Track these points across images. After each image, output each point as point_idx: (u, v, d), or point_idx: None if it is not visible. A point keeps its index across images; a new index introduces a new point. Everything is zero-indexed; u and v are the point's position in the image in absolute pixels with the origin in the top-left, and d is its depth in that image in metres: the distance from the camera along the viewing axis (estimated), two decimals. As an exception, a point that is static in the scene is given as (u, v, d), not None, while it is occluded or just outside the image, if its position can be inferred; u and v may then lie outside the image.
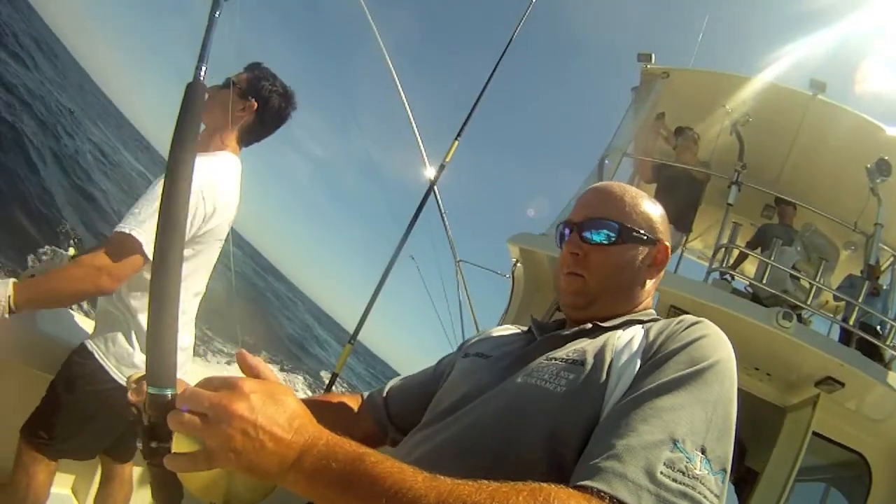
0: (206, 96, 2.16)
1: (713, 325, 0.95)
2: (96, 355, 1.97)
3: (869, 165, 4.53)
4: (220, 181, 2.04)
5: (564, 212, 5.18)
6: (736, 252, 5.07)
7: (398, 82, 4.78)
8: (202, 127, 2.19)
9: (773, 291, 4.20)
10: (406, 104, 4.80)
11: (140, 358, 1.96)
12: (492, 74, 5.20)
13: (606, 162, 5.24)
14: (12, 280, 1.82)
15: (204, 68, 0.89)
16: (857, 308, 4.23)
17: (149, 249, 1.81)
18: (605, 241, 1.10)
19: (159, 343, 0.75)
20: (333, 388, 4.39)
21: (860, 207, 4.84)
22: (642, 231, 1.12)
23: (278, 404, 0.73)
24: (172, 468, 0.73)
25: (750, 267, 6.02)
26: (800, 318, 3.82)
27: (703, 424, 0.77)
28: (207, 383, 0.74)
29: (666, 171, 5.39)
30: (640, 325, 1.03)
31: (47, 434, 1.94)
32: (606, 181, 1.20)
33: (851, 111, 5.09)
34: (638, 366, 0.89)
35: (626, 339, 0.97)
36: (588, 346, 0.98)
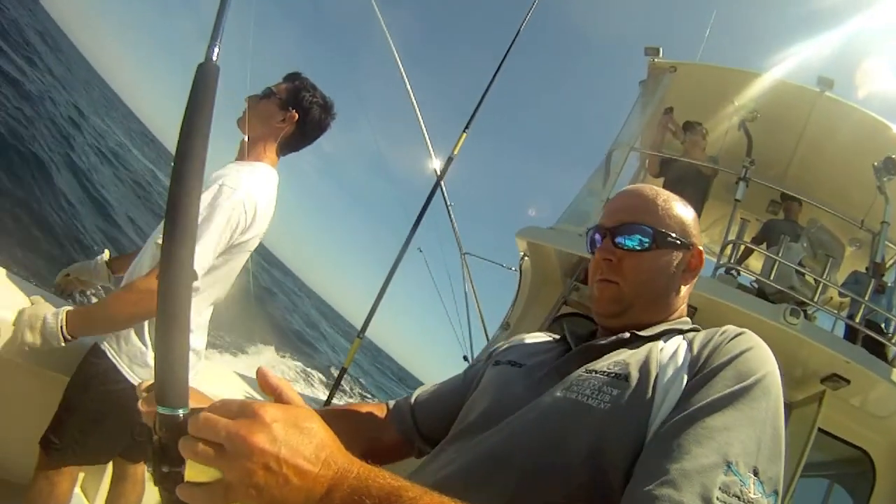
0: (249, 104, 2.16)
1: (755, 336, 0.93)
2: (109, 354, 1.94)
3: (876, 163, 4.53)
4: (260, 193, 2.03)
5: (573, 205, 5.20)
6: (742, 247, 5.07)
7: (404, 73, 4.80)
8: (245, 138, 2.18)
9: (780, 288, 4.21)
10: (412, 94, 4.83)
11: (152, 357, 1.93)
12: (499, 67, 5.19)
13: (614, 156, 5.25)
14: (65, 308, 1.83)
15: (217, 48, 0.80)
16: (863, 305, 4.24)
17: (198, 266, 1.82)
18: (638, 247, 1.08)
19: (169, 357, 0.68)
20: (342, 383, 4.39)
21: (867, 204, 4.84)
22: (676, 235, 1.09)
23: (303, 433, 0.66)
24: (186, 500, 0.66)
25: (755, 262, 6.03)
26: (805, 315, 3.84)
27: (755, 444, 0.75)
28: (224, 408, 0.66)
29: (673, 166, 5.38)
30: (682, 336, 1.00)
31: (63, 440, 1.91)
32: (638, 184, 1.14)
33: (859, 108, 5.09)
34: (685, 381, 0.87)
35: (670, 353, 0.94)
36: (630, 358, 0.95)
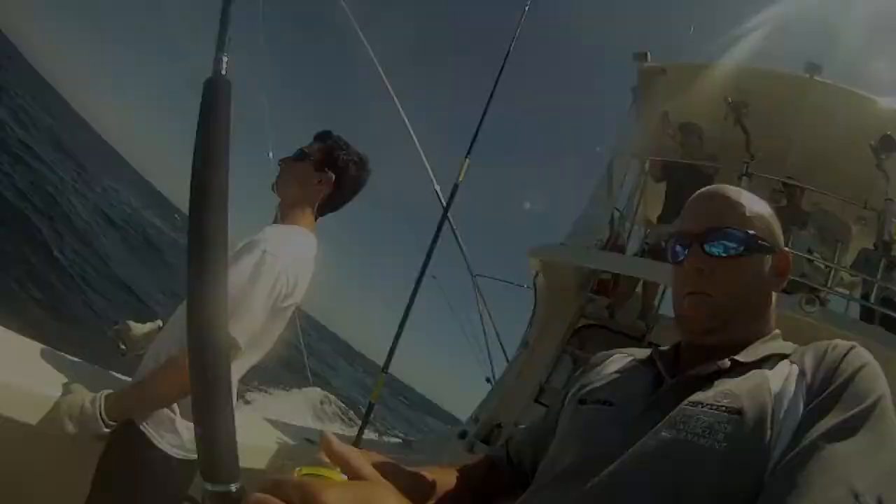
0: (283, 167, 2.12)
1: (865, 350, 0.86)
2: (136, 420, 1.81)
3: (873, 143, 4.56)
4: (301, 260, 1.98)
5: (580, 218, 5.23)
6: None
7: (399, 104, 4.82)
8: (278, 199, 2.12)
9: (793, 277, 4.21)
10: (411, 131, 4.84)
11: (182, 424, 1.82)
12: (493, 90, 5.16)
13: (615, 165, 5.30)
14: (103, 393, 1.77)
15: (225, 59, 0.71)
16: (876, 284, 4.26)
17: (243, 337, 1.77)
18: (727, 254, 0.98)
19: (212, 428, 0.61)
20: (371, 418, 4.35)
21: (868, 183, 4.86)
22: (765, 238, 1.00)
23: None
24: None
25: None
26: (820, 301, 3.86)
27: (877, 471, 0.70)
28: (278, 489, 0.55)
29: (674, 169, 5.40)
30: (787, 361, 0.91)
31: None
32: (717, 185, 1.09)
33: (847, 88, 5.13)
34: (801, 409, 0.80)
35: (781, 380, 0.86)
36: (737, 388, 0.85)
